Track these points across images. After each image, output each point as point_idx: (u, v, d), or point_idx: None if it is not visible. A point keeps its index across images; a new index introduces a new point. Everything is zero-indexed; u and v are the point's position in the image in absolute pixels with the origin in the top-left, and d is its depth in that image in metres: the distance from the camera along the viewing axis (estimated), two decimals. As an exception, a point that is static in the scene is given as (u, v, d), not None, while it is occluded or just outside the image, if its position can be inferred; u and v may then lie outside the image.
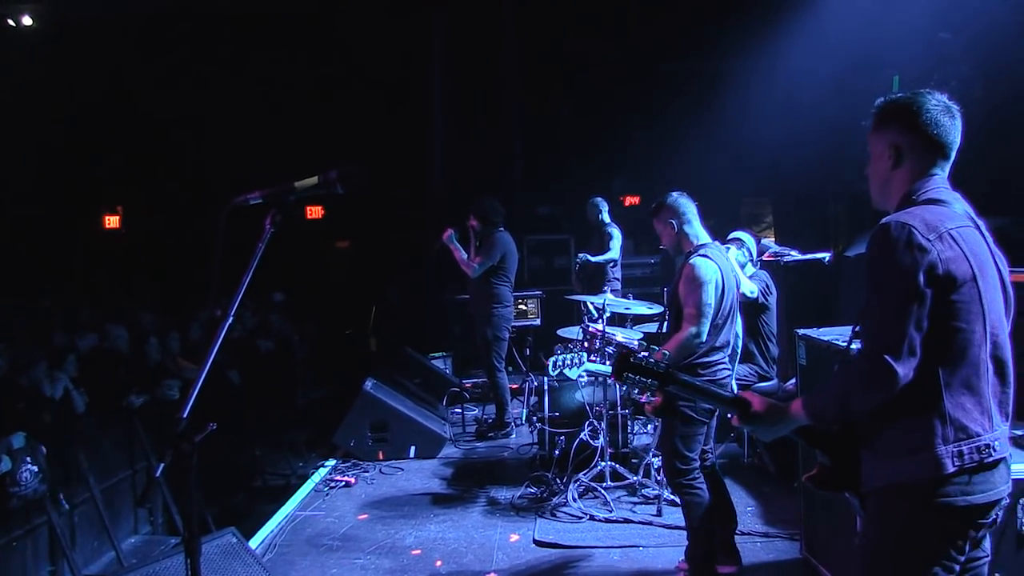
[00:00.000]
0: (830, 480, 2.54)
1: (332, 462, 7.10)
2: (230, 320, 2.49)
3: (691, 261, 4.31)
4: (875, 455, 2.35)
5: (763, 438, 2.73)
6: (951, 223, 2.28)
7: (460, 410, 8.30)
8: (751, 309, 6.11)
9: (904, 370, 2.17)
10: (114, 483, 6.67)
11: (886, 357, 2.17)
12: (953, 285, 2.22)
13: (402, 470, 6.89)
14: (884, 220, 2.29)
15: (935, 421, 2.24)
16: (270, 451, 8.30)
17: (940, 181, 2.41)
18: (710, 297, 4.23)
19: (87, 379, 6.77)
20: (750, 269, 6.32)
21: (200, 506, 7.15)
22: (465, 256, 7.49)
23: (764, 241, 7.70)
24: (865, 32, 8.32)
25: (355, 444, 7.10)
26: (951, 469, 2.21)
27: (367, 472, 6.83)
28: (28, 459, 5.49)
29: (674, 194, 4.58)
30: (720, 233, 9.20)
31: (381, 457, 7.08)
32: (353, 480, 6.60)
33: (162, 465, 2.49)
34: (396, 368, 8.39)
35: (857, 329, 2.79)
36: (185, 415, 2.48)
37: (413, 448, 7.13)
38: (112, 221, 12.92)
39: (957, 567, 2.26)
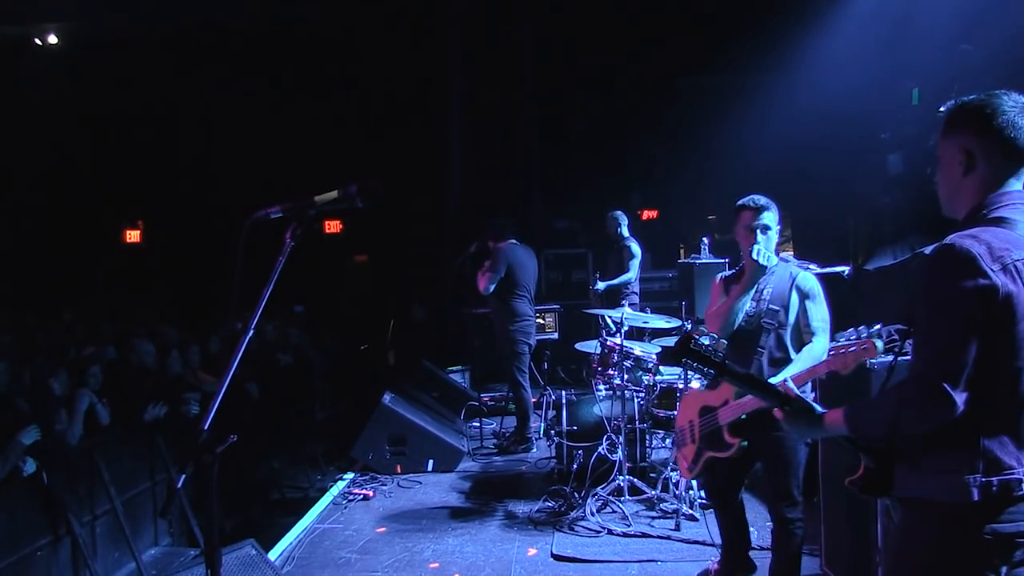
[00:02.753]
0: (873, 484, 2.53)
1: (350, 475, 7.13)
2: (251, 334, 2.50)
3: (814, 274, 4.31)
4: (909, 467, 2.35)
5: (794, 438, 2.79)
6: (1018, 253, 2.17)
7: (478, 424, 8.31)
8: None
9: (961, 400, 2.11)
10: (134, 495, 6.71)
11: (945, 386, 2.11)
12: (1012, 320, 2.14)
13: (420, 483, 6.90)
14: (948, 240, 2.20)
15: (970, 452, 2.20)
16: (288, 464, 8.32)
17: (1017, 196, 2.28)
18: None
19: (110, 392, 6.81)
20: None
21: (219, 518, 7.18)
22: (482, 270, 7.51)
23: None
24: (884, 46, 8.31)
25: (373, 457, 7.11)
26: (976, 498, 2.18)
27: (385, 485, 6.85)
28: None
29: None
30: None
31: (399, 470, 7.09)
32: (371, 493, 6.62)
33: (183, 476, 2.50)
34: (414, 382, 8.41)
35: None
36: (206, 427, 2.50)
37: (431, 461, 7.14)
38: (133, 235, 13.05)
39: None
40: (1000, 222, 2.24)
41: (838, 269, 7.29)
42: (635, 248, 9.05)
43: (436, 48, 11.97)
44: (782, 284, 4.07)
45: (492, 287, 7.48)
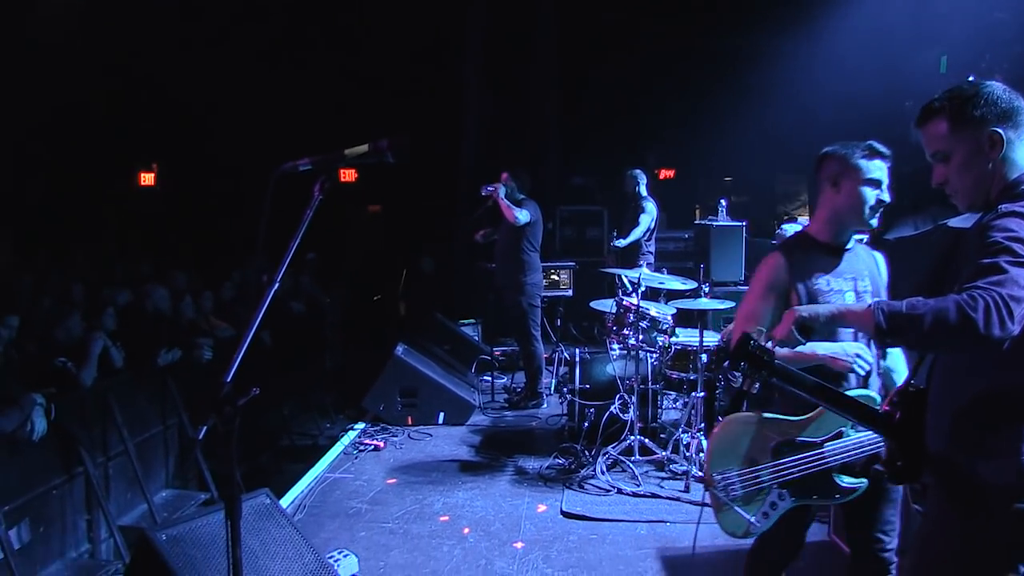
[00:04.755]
0: (901, 471, 2.49)
1: (361, 425, 7.14)
2: (276, 287, 2.47)
3: None
4: (953, 450, 2.29)
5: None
6: None
7: (489, 378, 8.31)
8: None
9: (1014, 328, 1.99)
10: (147, 438, 6.75)
11: (1010, 300, 1.99)
12: None
13: (431, 436, 6.92)
14: (1004, 208, 2.17)
15: (1023, 428, 2.16)
16: (298, 411, 8.35)
17: None
18: None
19: (124, 335, 6.81)
20: None
21: (237, 470, 7.22)
22: (508, 205, 7.39)
23: (801, 220, 7.60)
24: (912, 10, 8.13)
25: (384, 409, 7.13)
26: None
27: (396, 437, 6.86)
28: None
29: None
30: (757, 211, 9.21)
31: (410, 422, 7.11)
32: (382, 444, 6.64)
33: (204, 428, 2.48)
34: (426, 334, 8.40)
35: None
36: (228, 379, 2.47)
37: (442, 414, 7.15)
38: (147, 178, 12.97)
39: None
40: None
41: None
42: (650, 207, 8.96)
43: (455, 3, 11.76)
44: (871, 265, 3.23)
45: (523, 220, 7.40)
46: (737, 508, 2.99)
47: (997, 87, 2.33)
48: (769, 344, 2.52)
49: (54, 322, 6.46)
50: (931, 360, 2.56)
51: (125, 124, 12.04)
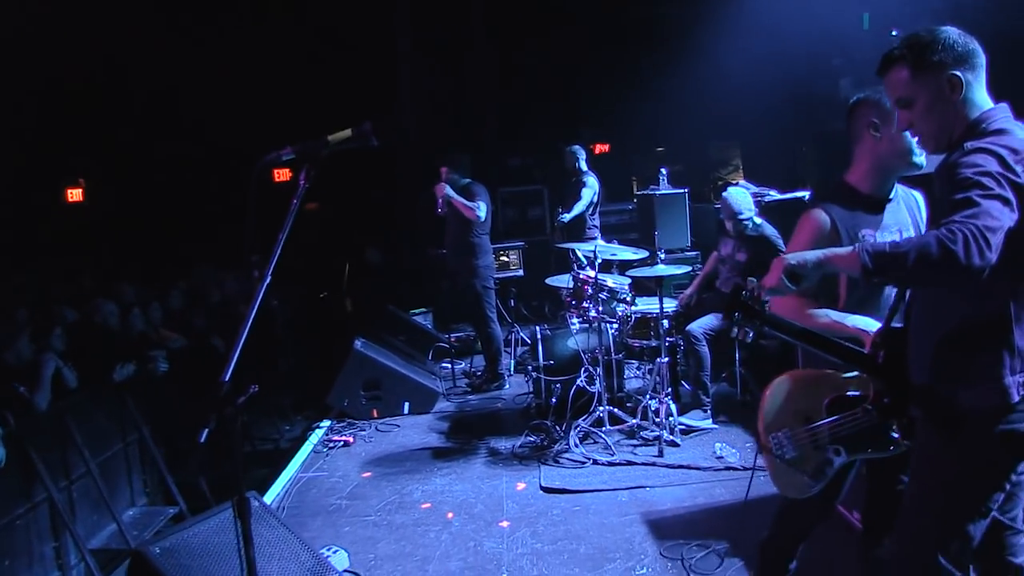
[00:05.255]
0: (888, 407, 2.59)
1: (327, 423, 7.08)
2: (268, 280, 2.44)
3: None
4: (936, 381, 2.39)
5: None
6: None
7: (449, 364, 8.32)
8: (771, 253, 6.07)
9: (992, 256, 2.08)
10: (108, 457, 6.59)
11: (985, 231, 2.07)
12: None
13: (398, 426, 6.91)
14: (970, 145, 2.26)
15: (1003, 352, 2.28)
16: (256, 416, 8.25)
17: (1003, 110, 2.39)
18: None
19: (75, 354, 6.63)
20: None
21: (196, 474, 7.13)
22: (465, 202, 7.40)
23: (741, 183, 7.72)
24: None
25: (349, 404, 7.09)
26: (1016, 398, 2.26)
27: (364, 431, 6.84)
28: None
29: None
30: (691, 179, 9.35)
31: (375, 415, 7.08)
32: (351, 439, 6.61)
33: (206, 431, 2.45)
34: (381, 326, 8.35)
35: None
36: (226, 379, 2.45)
37: (407, 404, 7.14)
38: (75, 194, 12.59)
39: (1009, 486, 2.34)
40: (1001, 133, 2.31)
41: (799, 194, 7.40)
42: (592, 181, 9.03)
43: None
44: (913, 208, 3.11)
45: (484, 215, 7.43)
46: (794, 469, 2.92)
47: (952, 32, 2.40)
48: (761, 294, 2.60)
49: (2, 346, 6.25)
50: (908, 299, 2.66)
51: (49, 139, 11.65)
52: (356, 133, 2.36)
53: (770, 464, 2.98)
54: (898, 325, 2.64)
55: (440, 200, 7.41)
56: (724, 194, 6.44)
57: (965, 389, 2.32)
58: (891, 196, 3.01)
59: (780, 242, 6.10)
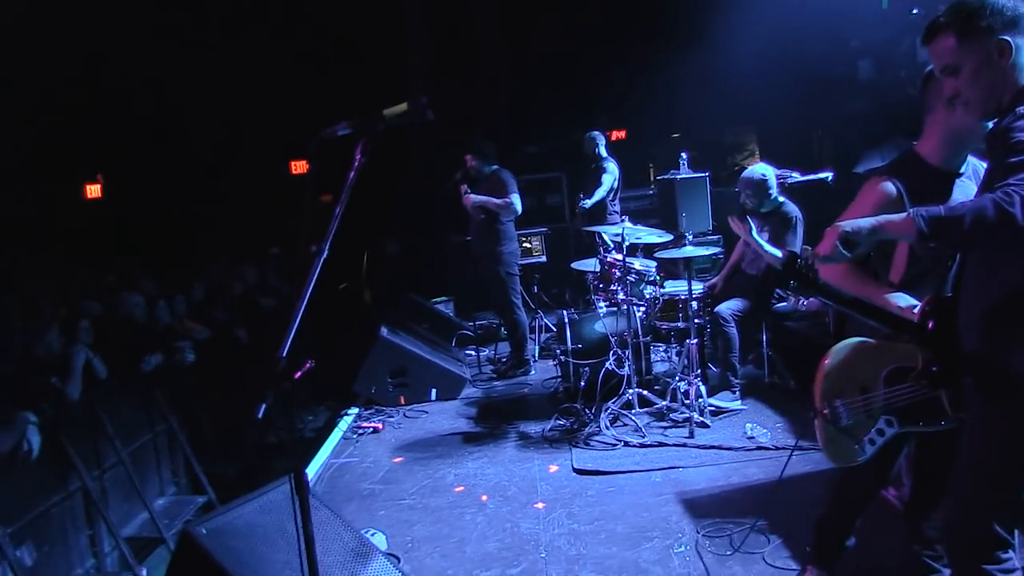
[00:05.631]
0: (939, 376, 2.59)
1: (355, 410, 7.11)
2: (325, 255, 2.46)
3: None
4: (988, 347, 2.38)
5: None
6: None
7: (474, 351, 8.35)
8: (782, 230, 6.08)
9: None
10: (138, 446, 6.65)
11: None
12: None
13: (426, 412, 6.93)
14: (1022, 109, 2.26)
15: None
16: (278, 407, 8.28)
17: None
18: None
19: (103, 346, 6.68)
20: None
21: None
22: (497, 200, 7.43)
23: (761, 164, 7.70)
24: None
25: (376, 391, 7.11)
26: None
27: (392, 417, 6.86)
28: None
29: None
30: (707, 164, 9.30)
31: (403, 402, 7.10)
32: (380, 426, 6.63)
33: (264, 406, 2.47)
34: (404, 314, 8.38)
35: None
36: (284, 354, 2.46)
37: (434, 391, 7.16)
38: (93, 190, 12.65)
39: None
40: None
41: (822, 175, 7.37)
42: (612, 166, 9.04)
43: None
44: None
45: (520, 208, 7.50)
46: (845, 437, 2.94)
47: None
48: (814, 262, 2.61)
49: (32, 339, 6.30)
50: (955, 270, 2.66)
51: (68, 135, 11.70)
52: (412, 107, 2.37)
53: (822, 430, 2.98)
54: (947, 294, 2.64)
55: (468, 206, 7.46)
56: (749, 171, 6.41)
57: (1017, 353, 2.30)
58: (961, 171, 2.94)
59: (799, 221, 6.10)
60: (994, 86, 2.40)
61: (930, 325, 2.65)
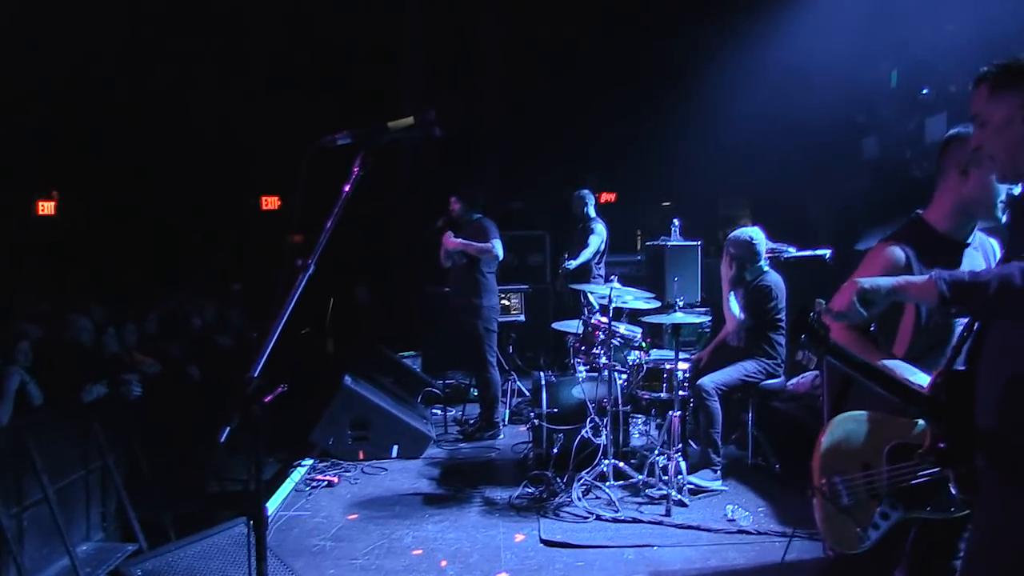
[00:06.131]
0: (947, 455, 2.55)
1: (309, 461, 6.96)
2: (311, 271, 2.41)
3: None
4: (1006, 427, 2.34)
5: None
6: None
7: (440, 411, 8.25)
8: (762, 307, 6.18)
9: None
10: (67, 484, 6.44)
11: None
12: None
13: (385, 470, 6.80)
14: None
15: None
16: (226, 454, 8.10)
17: None
18: None
19: (41, 371, 6.51)
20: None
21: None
22: (478, 244, 7.42)
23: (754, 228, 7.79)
24: (862, 25, 8.48)
25: (334, 443, 6.98)
26: None
27: (349, 472, 6.73)
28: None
29: None
30: (698, 234, 9.39)
31: (362, 457, 6.97)
32: (336, 479, 6.50)
33: (228, 429, 2.40)
34: (370, 366, 8.28)
35: None
36: (255, 375, 2.40)
37: (396, 447, 7.04)
38: (47, 207, 12.52)
39: None
40: None
41: (819, 252, 7.46)
42: (600, 228, 9.10)
43: (392, 20, 11.82)
44: (989, 254, 3.07)
45: (502, 254, 7.50)
46: (846, 518, 2.83)
47: None
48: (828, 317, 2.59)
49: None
50: (970, 344, 2.65)
51: (23, 149, 11.61)
52: (419, 121, 2.35)
53: (820, 508, 2.92)
54: (960, 368, 2.63)
55: (444, 251, 7.45)
56: (740, 230, 6.48)
57: None
58: (969, 241, 2.98)
59: (780, 294, 6.18)
60: (1012, 147, 2.43)
61: (942, 398, 2.63)
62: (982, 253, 3.02)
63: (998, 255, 3.05)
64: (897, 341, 3.00)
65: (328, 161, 2.48)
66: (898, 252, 2.91)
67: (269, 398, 2.42)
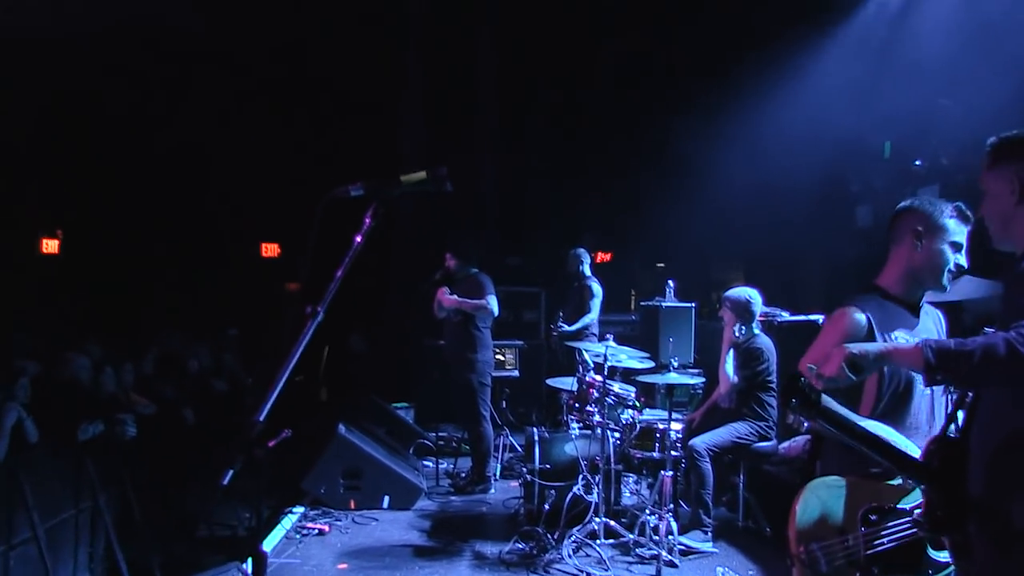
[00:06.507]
0: (941, 520, 2.57)
1: (300, 509, 6.91)
2: (320, 318, 2.44)
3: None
4: (992, 495, 2.37)
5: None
6: None
7: (432, 463, 8.21)
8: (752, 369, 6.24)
9: None
10: (56, 523, 6.38)
11: None
12: None
13: (376, 520, 6.75)
14: None
15: None
16: (217, 499, 8.03)
17: None
18: None
19: (38, 408, 6.48)
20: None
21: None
22: (473, 301, 7.46)
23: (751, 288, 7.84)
24: (855, 97, 8.65)
25: (326, 491, 6.94)
26: None
27: (340, 520, 6.68)
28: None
29: None
30: (690, 297, 9.45)
31: (352, 506, 6.93)
32: (327, 528, 6.46)
33: (231, 472, 2.40)
34: (363, 415, 8.26)
35: None
36: (261, 418, 2.42)
37: (387, 498, 7.00)
38: (50, 245, 12.57)
39: None
40: None
41: (813, 317, 7.49)
42: (596, 287, 9.15)
43: (392, 71, 12.00)
44: (937, 324, 3.26)
45: (497, 311, 7.52)
46: None
47: None
48: (818, 383, 2.63)
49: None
50: (966, 410, 2.69)
51: (28, 187, 11.70)
52: (431, 176, 2.41)
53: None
54: (953, 435, 2.66)
55: (438, 305, 7.48)
56: (737, 290, 6.54)
57: (1019, 504, 2.31)
58: (920, 305, 3.14)
59: (771, 357, 6.23)
60: (1005, 218, 2.55)
61: (935, 464, 2.66)
62: (932, 320, 3.19)
63: (943, 328, 3.22)
64: (861, 405, 3.07)
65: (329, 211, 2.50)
66: (860, 316, 3.01)
67: (273, 443, 2.42)
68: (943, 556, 2.75)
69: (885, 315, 3.02)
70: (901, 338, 2.97)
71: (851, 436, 2.74)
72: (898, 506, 2.81)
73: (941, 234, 3.05)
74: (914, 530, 2.72)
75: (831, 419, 2.71)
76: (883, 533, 2.77)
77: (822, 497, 2.90)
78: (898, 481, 2.88)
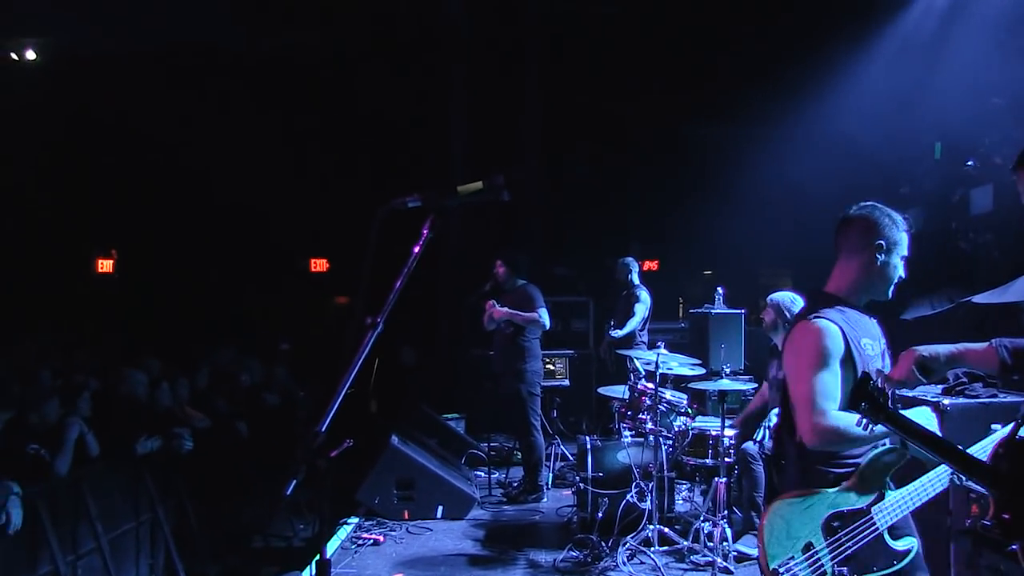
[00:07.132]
0: (1006, 525, 2.51)
1: (355, 519, 6.95)
2: (379, 329, 2.45)
3: None
4: None
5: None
6: None
7: (484, 473, 8.22)
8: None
9: None
10: (119, 534, 6.49)
11: None
12: None
13: (431, 530, 6.77)
14: None
15: None
16: (278, 509, 8.11)
17: None
18: None
19: (99, 422, 6.61)
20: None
21: (206, 565, 6.98)
22: (524, 314, 7.47)
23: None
24: (906, 98, 8.50)
25: (380, 502, 6.98)
26: None
27: (394, 531, 6.72)
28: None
29: None
30: (738, 304, 9.34)
31: (406, 516, 6.95)
32: (382, 538, 6.49)
33: (294, 482, 2.42)
34: (415, 426, 8.30)
35: None
36: (323, 429, 2.43)
37: (441, 508, 7.01)
38: (105, 265, 12.83)
39: None
40: None
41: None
42: (644, 295, 9.09)
43: (436, 86, 12.08)
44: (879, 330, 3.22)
45: (548, 323, 7.56)
46: None
47: None
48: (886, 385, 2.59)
49: (28, 406, 6.24)
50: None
51: (81, 210, 11.97)
52: (488, 186, 2.41)
53: None
54: (1021, 438, 2.60)
55: (487, 316, 7.49)
56: (780, 294, 6.41)
57: None
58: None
59: None
60: None
61: (1003, 467, 2.60)
62: (877, 326, 3.12)
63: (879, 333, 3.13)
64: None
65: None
66: (833, 325, 2.92)
67: (335, 453, 2.43)
68: (901, 545, 2.88)
69: (850, 324, 2.96)
70: (868, 346, 2.95)
71: (917, 439, 2.69)
72: (856, 506, 2.87)
73: (897, 248, 3.05)
74: (875, 526, 2.84)
75: (899, 423, 2.67)
76: (845, 537, 2.85)
77: (785, 516, 2.92)
78: (842, 486, 2.91)
